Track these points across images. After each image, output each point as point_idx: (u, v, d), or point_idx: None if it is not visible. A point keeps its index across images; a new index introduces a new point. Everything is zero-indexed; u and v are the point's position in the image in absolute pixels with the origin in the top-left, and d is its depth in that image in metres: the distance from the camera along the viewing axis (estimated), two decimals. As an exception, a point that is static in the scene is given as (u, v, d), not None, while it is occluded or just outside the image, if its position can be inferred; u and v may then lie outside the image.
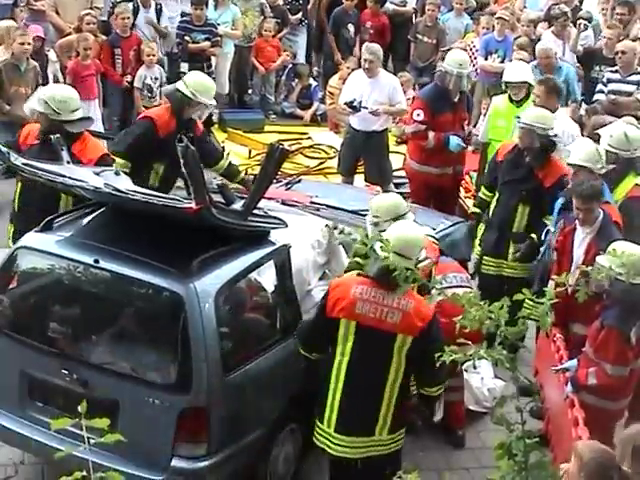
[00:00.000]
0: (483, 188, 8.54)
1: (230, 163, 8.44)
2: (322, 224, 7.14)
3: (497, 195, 8.20)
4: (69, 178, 6.23)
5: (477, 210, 8.57)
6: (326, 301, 5.67)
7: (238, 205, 6.58)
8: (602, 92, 11.10)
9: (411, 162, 9.93)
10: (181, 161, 5.76)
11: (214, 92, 8.14)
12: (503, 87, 9.94)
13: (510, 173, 8.05)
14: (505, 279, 8.04)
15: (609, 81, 11.13)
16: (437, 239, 7.48)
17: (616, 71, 11.13)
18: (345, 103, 10.44)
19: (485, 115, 10.67)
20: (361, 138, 10.46)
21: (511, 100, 9.59)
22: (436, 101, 9.55)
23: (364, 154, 10.52)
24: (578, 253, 6.81)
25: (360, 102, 10.23)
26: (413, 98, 11.28)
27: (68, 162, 6.99)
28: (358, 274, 5.70)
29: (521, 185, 7.94)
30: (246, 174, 10.94)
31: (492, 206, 8.26)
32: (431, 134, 9.50)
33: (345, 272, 6.17)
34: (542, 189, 7.87)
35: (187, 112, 7.91)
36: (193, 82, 7.91)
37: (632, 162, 7.43)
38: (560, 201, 7.49)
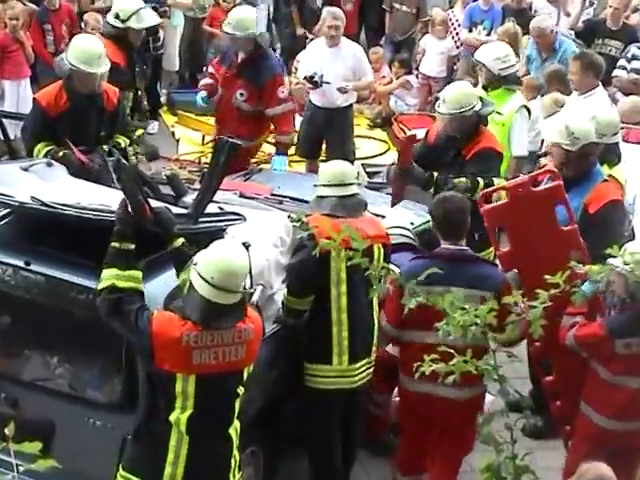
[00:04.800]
0: None
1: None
2: (285, 219, 7.12)
3: None
4: None
5: None
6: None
7: (189, 197, 6.55)
8: (624, 68, 11.04)
9: None
10: (114, 177, 5.73)
11: (98, 57, 7.70)
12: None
13: None
14: None
15: (634, 58, 11.06)
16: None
17: None
18: (304, 78, 10.33)
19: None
20: (323, 116, 10.37)
21: None
22: None
23: (326, 134, 10.43)
24: None
25: (322, 76, 10.13)
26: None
27: None
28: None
29: None
30: (199, 163, 10.97)
31: None
32: None
33: None
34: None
35: (79, 85, 7.64)
36: (73, 49, 7.69)
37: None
38: None
